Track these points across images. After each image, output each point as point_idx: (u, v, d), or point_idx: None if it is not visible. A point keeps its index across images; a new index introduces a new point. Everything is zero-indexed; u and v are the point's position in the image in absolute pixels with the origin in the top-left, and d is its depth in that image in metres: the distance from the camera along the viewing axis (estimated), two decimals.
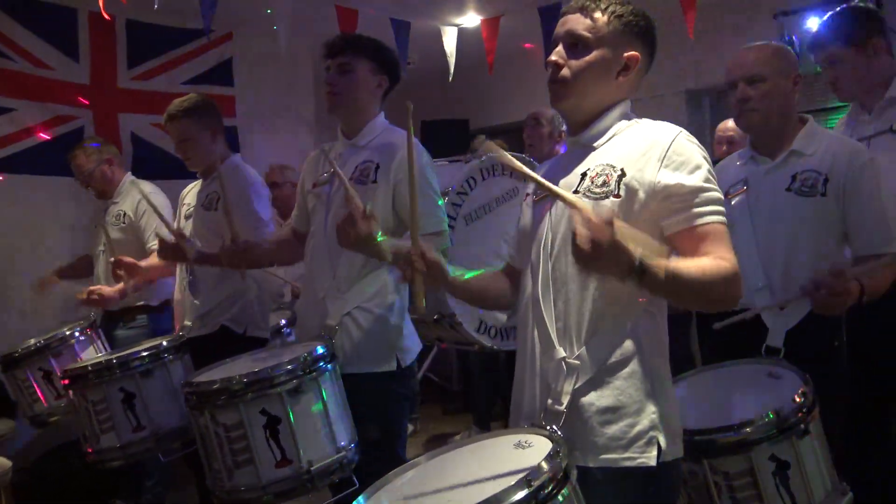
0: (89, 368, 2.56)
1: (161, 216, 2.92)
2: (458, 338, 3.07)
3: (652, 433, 1.43)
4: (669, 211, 1.43)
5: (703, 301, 1.47)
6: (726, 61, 2.23)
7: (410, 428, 4.73)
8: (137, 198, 3.57)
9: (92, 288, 3.30)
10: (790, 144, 2.16)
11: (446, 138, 5.54)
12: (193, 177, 3.12)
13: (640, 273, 1.28)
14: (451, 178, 3.06)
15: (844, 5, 2.54)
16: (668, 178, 1.42)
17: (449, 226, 2.90)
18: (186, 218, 3.04)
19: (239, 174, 2.91)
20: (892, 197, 2.16)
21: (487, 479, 1.29)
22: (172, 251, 2.65)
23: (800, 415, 1.74)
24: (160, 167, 4.07)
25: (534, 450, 1.35)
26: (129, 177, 3.72)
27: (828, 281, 1.85)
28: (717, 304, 1.52)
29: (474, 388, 4.81)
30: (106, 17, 3.82)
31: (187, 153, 2.94)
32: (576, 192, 1.50)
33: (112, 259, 3.15)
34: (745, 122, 2.20)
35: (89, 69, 4.35)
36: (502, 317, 3.05)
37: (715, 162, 2.27)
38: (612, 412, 1.44)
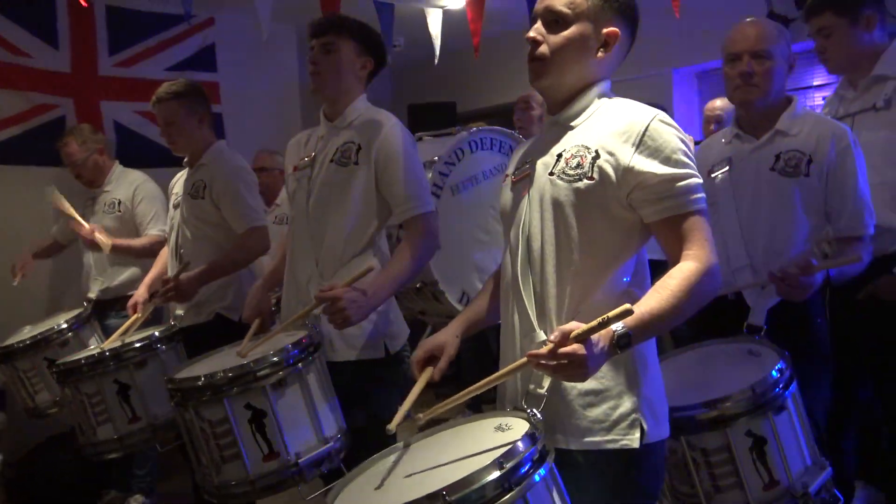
0: (82, 361, 2.55)
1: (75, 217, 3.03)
2: (441, 310, 3.05)
3: (635, 415, 1.43)
4: (644, 200, 1.42)
5: (690, 313, 1.43)
6: (712, 40, 2.21)
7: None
8: (133, 186, 3.58)
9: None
10: (775, 124, 2.15)
11: (433, 122, 5.50)
12: (177, 165, 3.09)
13: (625, 345, 1.29)
14: (439, 149, 3.03)
15: None
16: (641, 164, 1.41)
17: (435, 195, 2.90)
18: (174, 207, 3.01)
19: (225, 161, 2.89)
20: (874, 173, 2.16)
21: (464, 461, 1.29)
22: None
23: (777, 390, 1.75)
24: (144, 156, 4.03)
25: (513, 432, 1.35)
26: (118, 165, 3.73)
27: (792, 273, 1.87)
28: (702, 306, 1.48)
29: (465, 372, 4.82)
30: (84, 3, 3.75)
31: (172, 137, 2.90)
32: (551, 173, 1.49)
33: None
34: (744, 96, 2.16)
35: (69, 57, 4.29)
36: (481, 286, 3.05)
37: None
38: (595, 395, 1.43)
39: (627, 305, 1.23)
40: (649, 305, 1.33)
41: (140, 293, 3.14)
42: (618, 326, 1.28)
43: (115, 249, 3.45)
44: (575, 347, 1.24)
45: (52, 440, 3.86)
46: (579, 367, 1.24)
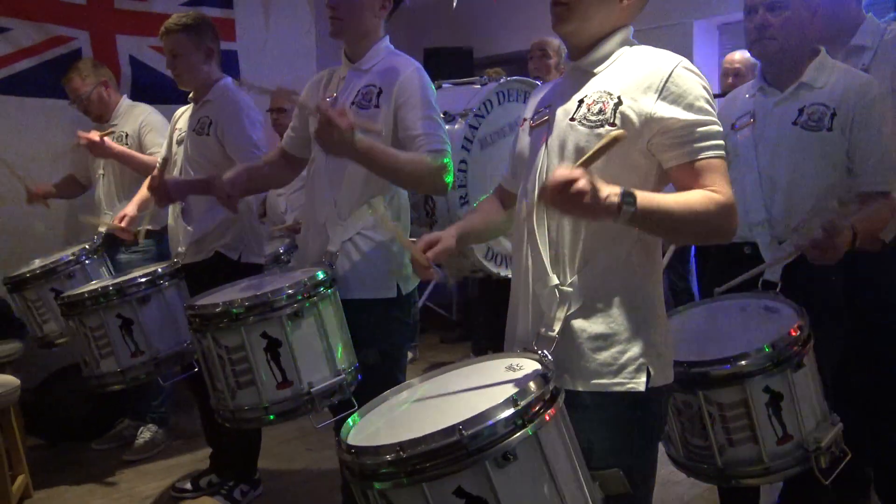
0: (86, 295, 2.59)
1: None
2: (461, 265, 3.08)
3: (642, 360, 1.46)
4: (665, 145, 1.42)
5: (696, 234, 1.47)
6: None
7: (410, 356, 4.81)
8: (139, 119, 3.57)
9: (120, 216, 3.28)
10: (801, 76, 2.12)
11: (449, 66, 5.44)
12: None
13: (627, 207, 1.29)
14: (466, 101, 3.00)
15: None
16: (664, 110, 1.40)
17: (465, 148, 2.89)
18: (178, 143, 3.00)
19: (230, 97, 2.88)
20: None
21: (478, 398, 1.31)
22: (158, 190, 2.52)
23: (795, 348, 1.76)
24: (159, 91, 4.03)
25: (524, 372, 1.38)
26: (125, 100, 3.72)
27: (822, 239, 1.85)
28: (712, 237, 1.52)
29: (473, 318, 4.87)
30: None
31: (178, 69, 2.89)
32: (572, 119, 1.49)
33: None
34: (762, 49, 2.13)
35: None
36: (509, 245, 3.08)
37: (721, 95, 2.24)
38: (604, 339, 1.46)
39: (622, 131, 1.26)
40: (663, 196, 1.36)
41: (130, 208, 3.15)
42: (625, 190, 1.29)
43: (116, 154, 3.39)
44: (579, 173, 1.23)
45: (68, 369, 3.95)
46: (581, 196, 1.23)
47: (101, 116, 3.66)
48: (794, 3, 2.07)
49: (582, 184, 1.24)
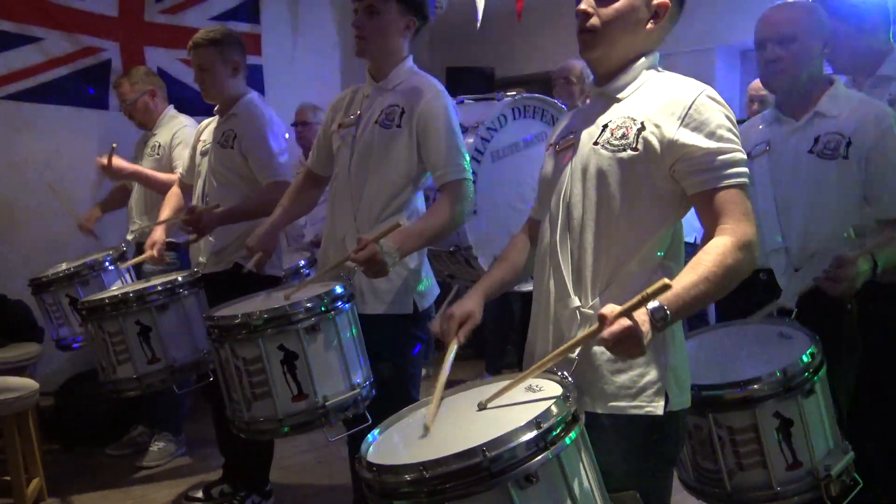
0: (106, 301, 2.62)
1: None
2: (471, 275, 3.09)
3: (660, 384, 1.47)
4: (687, 173, 1.44)
5: (730, 287, 1.44)
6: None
7: (424, 372, 4.81)
8: (173, 130, 3.63)
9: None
10: (815, 105, 2.14)
11: (471, 86, 5.48)
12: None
13: (664, 325, 1.31)
14: (480, 114, 3.03)
15: None
16: (686, 137, 1.42)
17: (475, 160, 2.92)
18: (202, 155, 3.05)
19: (255, 111, 2.92)
20: None
21: (499, 419, 1.32)
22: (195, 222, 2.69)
23: (807, 374, 1.76)
24: (186, 103, 4.09)
25: (544, 393, 1.39)
26: (170, 110, 3.77)
27: (836, 274, 1.87)
28: (739, 280, 1.48)
29: (487, 335, 4.87)
30: None
31: (205, 83, 2.94)
32: (595, 143, 1.51)
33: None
34: (773, 83, 2.17)
35: (118, 1, 4.35)
36: None
37: (742, 121, 2.26)
38: (623, 362, 1.46)
39: (665, 280, 1.23)
40: (685, 283, 1.34)
41: (158, 232, 3.17)
42: (654, 304, 1.29)
43: (129, 175, 3.45)
44: (625, 322, 1.26)
45: (85, 374, 4.00)
46: (635, 341, 1.27)
47: (144, 124, 3.73)
48: (802, 35, 2.09)
49: (621, 335, 1.26)
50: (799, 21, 2.10)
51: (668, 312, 1.30)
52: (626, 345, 1.27)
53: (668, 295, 1.28)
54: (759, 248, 1.43)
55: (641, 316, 1.28)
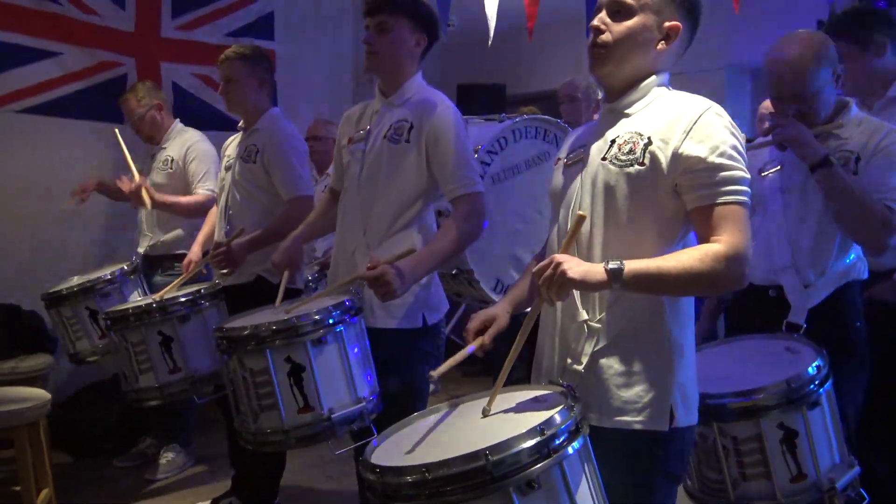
0: (130, 311, 2.68)
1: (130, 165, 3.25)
2: (476, 295, 3.10)
3: (667, 400, 1.47)
4: (687, 186, 1.45)
5: (699, 289, 1.50)
6: (769, 39, 2.20)
7: (432, 387, 4.80)
8: (186, 145, 3.66)
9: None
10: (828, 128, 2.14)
11: (482, 103, 5.51)
12: (232, 129, 3.17)
13: (617, 279, 1.37)
14: (482, 136, 3.05)
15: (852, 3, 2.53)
16: (690, 149, 1.43)
17: None
18: (226, 169, 3.09)
19: (279, 128, 2.96)
20: None
21: (503, 425, 1.34)
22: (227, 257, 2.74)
23: (812, 386, 1.77)
24: (200, 118, 4.13)
25: (549, 404, 1.39)
26: (177, 124, 3.80)
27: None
28: (716, 288, 1.53)
29: (494, 352, 4.86)
30: None
31: (229, 94, 2.99)
32: (604, 158, 1.52)
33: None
34: (786, 111, 2.15)
35: (134, 17, 4.41)
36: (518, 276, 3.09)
37: (751, 140, 2.27)
38: (629, 376, 1.47)
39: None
40: (657, 259, 1.40)
41: (195, 251, 3.23)
42: (616, 264, 1.37)
43: (158, 206, 3.47)
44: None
45: (96, 385, 4.02)
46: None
47: (153, 138, 3.76)
48: (817, 84, 2.08)
49: (566, 265, 1.35)
50: (810, 54, 2.08)
51: (622, 269, 1.37)
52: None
53: (632, 261, 1.39)
54: (747, 264, 1.42)
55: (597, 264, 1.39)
